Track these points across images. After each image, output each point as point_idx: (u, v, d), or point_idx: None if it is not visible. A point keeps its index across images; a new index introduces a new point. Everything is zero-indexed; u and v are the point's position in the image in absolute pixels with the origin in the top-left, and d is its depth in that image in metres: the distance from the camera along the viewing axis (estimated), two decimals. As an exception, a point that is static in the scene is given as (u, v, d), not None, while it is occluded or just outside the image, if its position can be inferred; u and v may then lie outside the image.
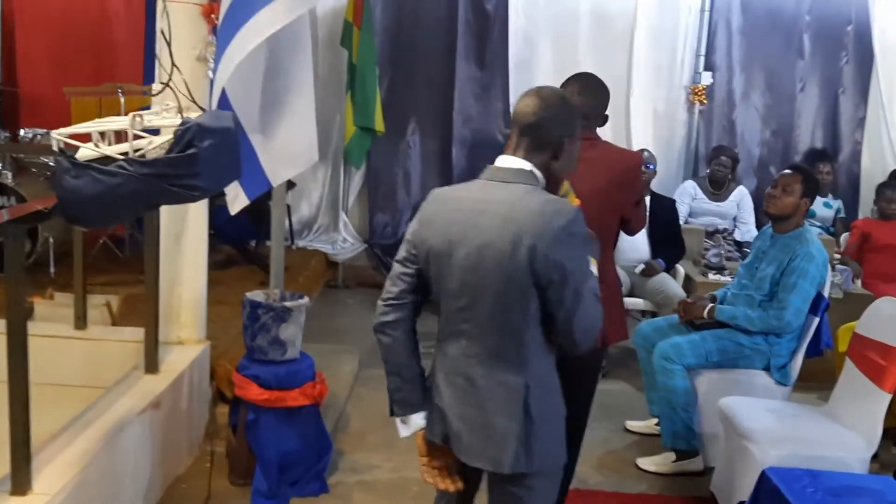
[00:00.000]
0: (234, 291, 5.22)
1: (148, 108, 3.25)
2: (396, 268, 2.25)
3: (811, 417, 3.58)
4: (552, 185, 2.22)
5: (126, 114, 2.71)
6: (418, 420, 2.26)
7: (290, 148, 3.42)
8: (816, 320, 3.99)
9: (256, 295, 3.82)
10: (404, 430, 2.29)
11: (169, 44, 2.79)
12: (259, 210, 4.99)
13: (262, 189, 3.43)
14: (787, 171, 4.16)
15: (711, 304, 4.16)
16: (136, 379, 3.57)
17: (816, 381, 4.51)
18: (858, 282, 5.52)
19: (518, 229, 2.02)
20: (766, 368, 4.03)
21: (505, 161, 2.17)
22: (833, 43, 6.99)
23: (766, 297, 4.00)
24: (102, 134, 2.47)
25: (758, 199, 6.69)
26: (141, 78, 5.93)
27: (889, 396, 3.33)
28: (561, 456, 2.22)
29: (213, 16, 3.65)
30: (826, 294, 4.02)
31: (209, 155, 2.42)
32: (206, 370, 4.06)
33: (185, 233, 3.88)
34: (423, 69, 6.92)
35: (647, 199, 5.55)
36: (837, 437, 3.39)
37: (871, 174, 7.03)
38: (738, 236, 6.39)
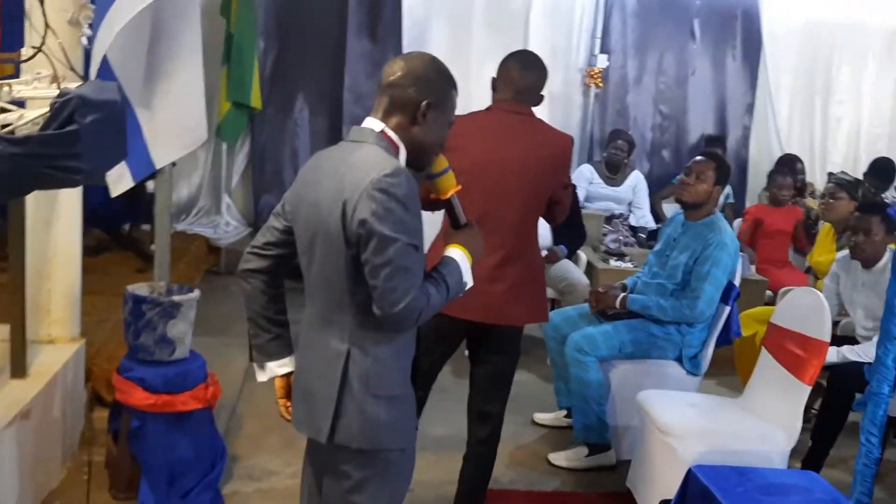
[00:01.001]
0: (108, 280, 4.79)
1: (13, 76, 2.82)
2: (269, 219, 2.19)
3: (730, 411, 3.51)
4: (420, 157, 2.08)
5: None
6: (274, 367, 2.20)
7: (177, 125, 3.08)
8: (728, 309, 3.94)
9: (140, 288, 3.45)
10: (261, 376, 2.24)
11: (42, 2, 2.38)
12: (133, 190, 4.57)
13: (149, 171, 3.06)
14: (699, 157, 4.08)
15: (623, 294, 4.05)
16: (0, 385, 3.14)
17: (715, 367, 4.48)
18: (753, 268, 5.57)
19: (339, 185, 1.94)
20: (678, 359, 3.96)
21: (365, 122, 2.07)
22: (723, 28, 7.05)
23: (679, 285, 3.92)
24: (-41, 105, 2.07)
25: (650, 183, 6.71)
26: (-1, 46, 5.33)
27: (809, 388, 3.29)
28: (395, 442, 2.05)
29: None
30: (737, 282, 3.97)
31: (92, 132, 2.06)
32: (82, 371, 3.65)
33: (56, 217, 3.45)
34: (313, 43, 6.56)
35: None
36: (758, 430, 3.33)
37: (758, 160, 7.17)
38: (633, 221, 6.37)
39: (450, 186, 2.14)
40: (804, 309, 3.43)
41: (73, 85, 2.19)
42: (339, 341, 2.00)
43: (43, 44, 2.28)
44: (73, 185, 2.12)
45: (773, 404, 3.40)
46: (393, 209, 1.87)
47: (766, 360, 3.57)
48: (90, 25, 3.27)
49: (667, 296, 3.92)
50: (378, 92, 2.07)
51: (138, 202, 5.45)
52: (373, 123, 2.04)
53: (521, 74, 2.99)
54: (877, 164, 6.56)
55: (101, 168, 2.22)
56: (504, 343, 3.08)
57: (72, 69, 2.39)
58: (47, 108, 2.04)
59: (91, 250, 5.26)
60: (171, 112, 3.08)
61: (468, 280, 2.10)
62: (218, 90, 6.22)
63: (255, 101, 6.22)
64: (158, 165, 3.19)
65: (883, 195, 5.87)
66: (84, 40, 3.26)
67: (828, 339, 3.28)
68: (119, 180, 2.99)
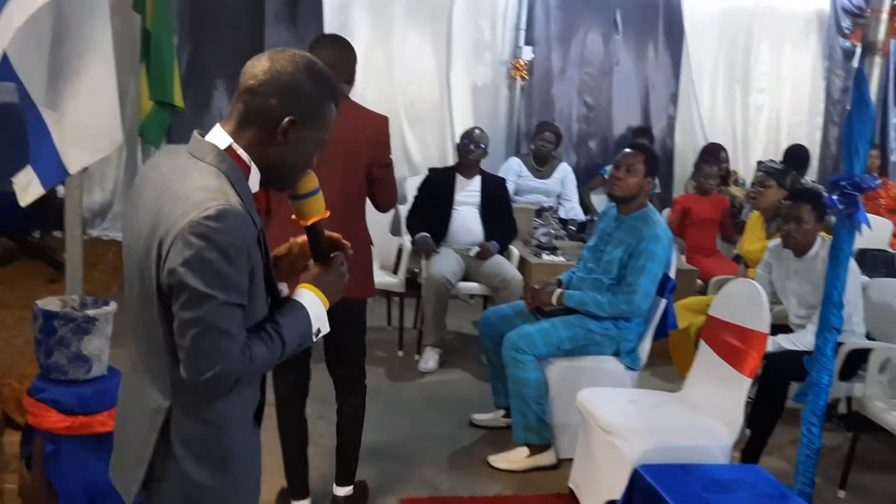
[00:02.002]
0: (17, 292, 4.54)
1: None
2: None
3: (671, 406, 3.47)
4: (279, 179, 1.72)
5: None
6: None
7: (89, 127, 2.85)
8: (664, 302, 3.91)
9: (50, 303, 3.22)
10: None
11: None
12: (44, 195, 4.31)
13: (61, 177, 2.85)
14: (628, 150, 4.03)
15: (560, 290, 3.98)
16: None
17: (649, 358, 4.44)
18: (683, 257, 5.58)
19: (155, 218, 1.57)
20: (616, 353, 3.91)
21: (212, 132, 1.68)
22: (645, 18, 7.07)
23: (615, 280, 3.87)
24: None
25: (578, 175, 6.69)
26: None
27: (749, 381, 3.27)
28: None
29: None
30: (672, 275, 3.94)
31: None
32: (-10, 393, 3.40)
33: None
34: (228, 37, 6.32)
35: (479, 178, 5.35)
36: (699, 425, 3.29)
37: (683, 149, 7.22)
38: (562, 214, 6.33)
39: (315, 211, 1.79)
40: (742, 300, 3.41)
41: (-36, 87, 1.97)
42: (159, 395, 1.68)
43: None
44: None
45: (714, 398, 3.37)
46: (210, 259, 1.52)
47: (705, 352, 3.54)
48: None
49: (603, 291, 3.87)
50: (234, 96, 1.68)
51: (48, 208, 5.14)
52: (219, 137, 1.66)
53: (325, 56, 2.75)
54: (791, 151, 6.67)
55: (0, 175, 2.01)
56: (341, 317, 2.91)
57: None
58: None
59: (-2, 260, 4.99)
60: (81, 113, 2.85)
61: (321, 327, 1.76)
62: (138, 89, 5.94)
63: (178, 99, 5.95)
64: (72, 171, 2.97)
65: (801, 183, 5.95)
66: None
67: (767, 330, 3.26)
68: (27, 187, 2.78)
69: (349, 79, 3.19)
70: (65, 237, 5.72)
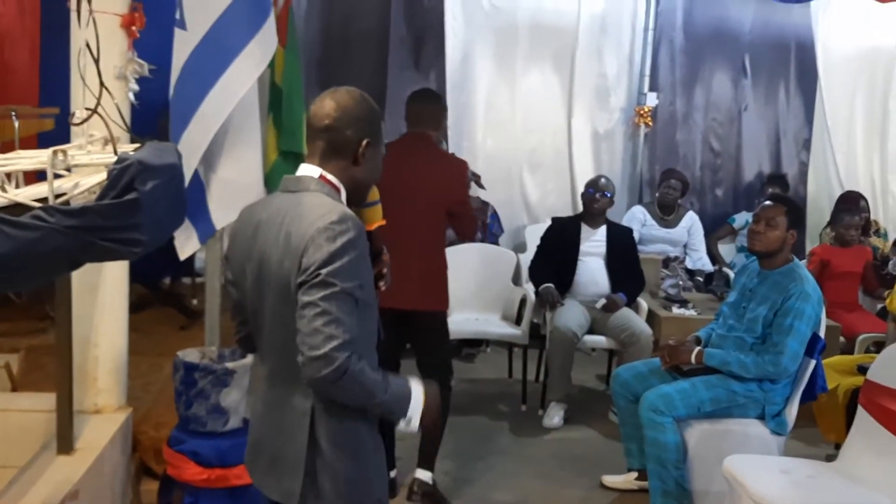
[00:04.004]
0: (151, 339, 4.61)
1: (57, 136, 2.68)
2: (229, 292, 2.12)
3: (828, 478, 3.24)
4: (359, 193, 2.07)
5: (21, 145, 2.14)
6: None
7: (238, 184, 2.91)
8: (812, 363, 3.68)
9: (190, 354, 3.26)
10: None
11: (97, 60, 2.21)
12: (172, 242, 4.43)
13: (211, 232, 2.92)
14: (767, 202, 3.85)
15: (699, 348, 3.80)
16: (47, 462, 2.95)
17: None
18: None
19: (285, 238, 1.86)
20: (761, 417, 3.69)
21: (300, 169, 2.00)
22: (776, 61, 6.84)
23: (759, 339, 3.67)
24: (9, 174, 1.89)
25: (704, 224, 6.47)
26: (36, 100, 5.21)
27: (917, 453, 3.01)
28: (370, 497, 1.98)
29: (133, 27, 3.10)
30: (822, 334, 3.71)
31: (153, 200, 1.88)
32: (129, 442, 3.45)
33: (102, 281, 3.27)
34: (354, 86, 6.40)
35: (604, 228, 5.23)
36: (862, 500, 3.05)
37: (817, 197, 6.91)
38: (689, 264, 6.11)
39: (375, 218, 2.19)
40: (905, 365, 3.16)
41: (130, 148, 2.00)
42: (302, 398, 1.91)
43: (98, 104, 2.11)
44: (131, 257, 1.94)
45: (876, 470, 3.13)
46: (335, 254, 1.79)
47: (863, 419, 3.30)
48: (137, 80, 3.14)
49: (746, 350, 3.67)
50: (310, 135, 2.00)
51: (177, 255, 5.30)
52: (310, 170, 1.98)
53: (415, 108, 3.91)
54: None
55: (160, 238, 2.03)
56: (425, 325, 3.75)
57: (128, 130, 2.21)
58: (104, 175, 1.86)
59: (131, 307, 5.11)
60: (231, 170, 2.96)
61: (412, 416, 1.94)
62: (265, 141, 6.09)
63: (305, 147, 6.06)
64: (219, 226, 3.05)
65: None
66: (131, 96, 3.12)
67: (936, 398, 3.01)
68: (186, 243, 2.90)
69: (436, 126, 3.94)
70: (193, 283, 5.91)
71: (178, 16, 3.08)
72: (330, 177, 1.97)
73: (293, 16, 5.93)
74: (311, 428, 1.90)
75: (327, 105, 1.97)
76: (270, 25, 3.22)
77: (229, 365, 3.16)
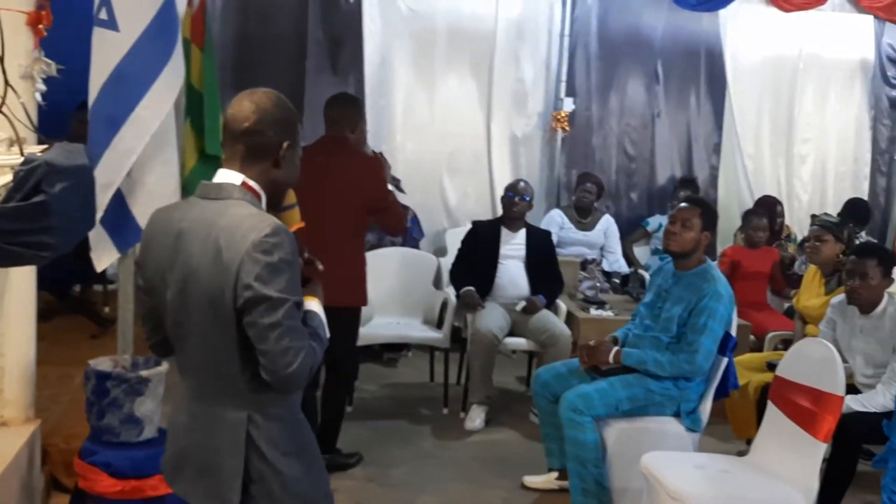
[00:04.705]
0: (60, 348, 4.46)
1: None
2: (139, 300, 2.10)
3: (741, 472, 3.33)
4: (278, 196, 2.06)
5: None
6: None
7: (160, 190, 2.86)
8: (725, 361, 3.78)
9: (102, 363, 3.16)
10: None
11: (1, 59, 2.12)
12: (85, 248, 4.29)
13: (136, 239, 2.86)
14: (683, 204, 3.95)
15: (617, 348, 3.86)
16: (-52, 479, 2.82)
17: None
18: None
19: (215, 250, 1.83)
20: (676, 414, 3.77)
21: (219, 175, 1.96)
22: (687, 68, 7.00)
23: (674, 338, 3.76)
24: None
25: (620, 227, 6.59)
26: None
27: (824, 446, 3.12)
28: (317, 491, 2.05)
29: (40, 26, 3.00)
30: (734, 333, 3.82)
31: (63, 202, 1.83)
32: (38, 455, 3.32)
33: (8, 288, 3.14)
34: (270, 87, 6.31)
35: (523, 231, 5.28)
36: (774, 493, 3.15)
37: (727, 201, 7.10)
38: (605, 266, 6.22)
39: (294, 221, 2.21)
40: (814, 361, 3.28)
41: (37, 149, 1.93)
42: (234, 410, 1.92)
43: (2, 104, 2.03)
44: (39, 262, 1.88)
45: (786, 463, 3.23)
46: (277, 269, 1.80)
47: (773, 415, 3.41)
48: (44, 80, 3.04)
49: (662, 349, 3.75)
50: (229, 139, 1.96)
51: (89, 261, 5.14)
52: (231, 177, 1.94)
53: (332, 111, 4.11)
54: (852, 204, 6.53)
55: (70, 242, 1.97)
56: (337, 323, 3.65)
57: (35, 130, 2.13)
58: (10, 177, 1.79)
59: (40, 315, 4.92)
60: (153, 175, 2.93)
61: (326, 333, 2.02)
62: (182, 145, 5.95)
63: (222, 151, 5.93)
64: None
65: (857, 237, 5.81)
66: (38, 96, 3.01)
67: (842, 392, 3.13)
68: (103, 253, 2.84)
69: (353, 128, 4.07)
70: (105, 290, 5.72)
71: (103, 15, 3.00)
72: (252, 183, 1.94)
73: (208, 17, 5.83)
74: (247, 435, 1.91)
75: (246, 107, 1.93)
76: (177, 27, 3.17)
77: (143, 373, 3.08)
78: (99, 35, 3.02)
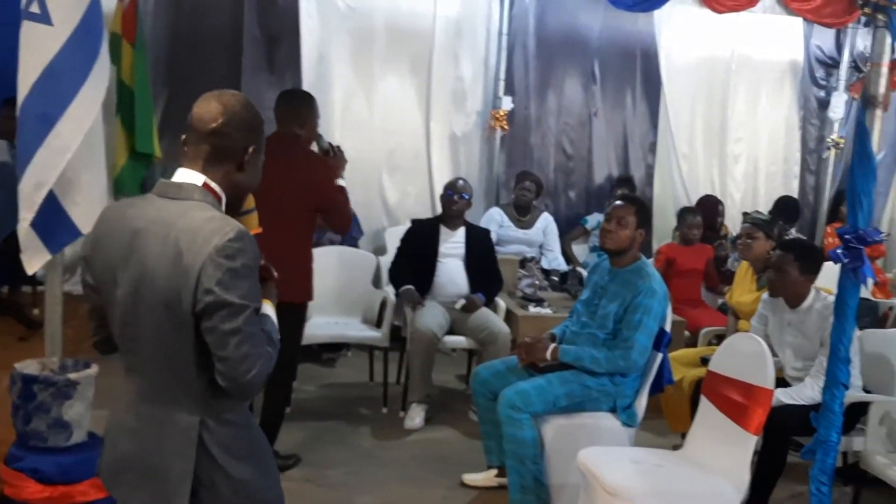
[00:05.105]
0: (-13, 352, 4.32)
1: None
2: (85, 295, 2.04)
3: (675, 465, 3.38)
4: (238, 200, 2.05)
5: None
6: None
7: (91, 188, 2.79)
8: (660, 356, 3.83)
9: (29, 366, 3.08)
10: None
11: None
12: (13, 248, 4.16)
13: (71, 238, 2.80)
14: (618, 202, 4.00)
15: (554, 345, 3.89)
16: None
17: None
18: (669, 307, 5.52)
19: (174, 252, 1.81)
20: (613, 410, 3.81)
21: (179, 174, 1.93)
22: (623, 68, 7.09)
23: (610, 335, 3.80)
24: None
25: (559, 225, 6.65)
26: None
27: (755, 438, 3.19)
28: (269, 494, 2.04)
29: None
30: (668, 329, 3.87)
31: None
32: (-39, 463, 3.20)
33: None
34: (205, 87, 6.09)
35: (463, 230, 5.29)
36: (706, 485, 3.20)
37: (663, 199, 7.22)
38: (544, 264, 6.27)
39: (252, 226, 2.17)
40: (745, 356, 3.34)
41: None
42: (187, 414, 1.90)
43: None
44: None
45: (718, 456, 3.28)
46: (241, 274, 1.80)
47: (706, 409, 3.46)
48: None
49: (599, 346, 3.79)
50: (193, 139, 1.93)
51: (17, 261, 5.00)
52: (192, 177, 1.91)
53: (280, 107, 4.09)
54: (782, 202, 6.71)
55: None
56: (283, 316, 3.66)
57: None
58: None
59: (-35, 318, 4.80)
60: (85, 174, 2.84)
61: (277, 336, 2.02)
62: (112, 142, 5.81)
63: (157, 149, 5.84)
64: (85, 231, 2.90)
65: (787, 234, 5.96)
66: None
67: (772, 386, 3.20)
68: (34, 256, 2.76)
69: (302, 124, 4.03)
70: (35, 291, 5.57)
71: (34, 9, 2.90)
72: (213, 185, 1.92)
73: (140, 12, 5.71)
74: (200, 440, 1.89)
75: (214, 108, 1.91)
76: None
77: (72, 376, 3.00)
78: (29, 29, 2.92)
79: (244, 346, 1.80)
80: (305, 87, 6.22)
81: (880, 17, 2.88)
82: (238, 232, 1.80)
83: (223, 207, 1.95)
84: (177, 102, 6.18)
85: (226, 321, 1.79)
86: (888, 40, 2.94)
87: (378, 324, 5.23)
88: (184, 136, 1.95)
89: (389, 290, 5.29)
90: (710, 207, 6.59)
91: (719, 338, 5.08)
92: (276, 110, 4.07)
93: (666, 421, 4.53)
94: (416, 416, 4.87)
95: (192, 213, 1.84)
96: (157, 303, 1.83)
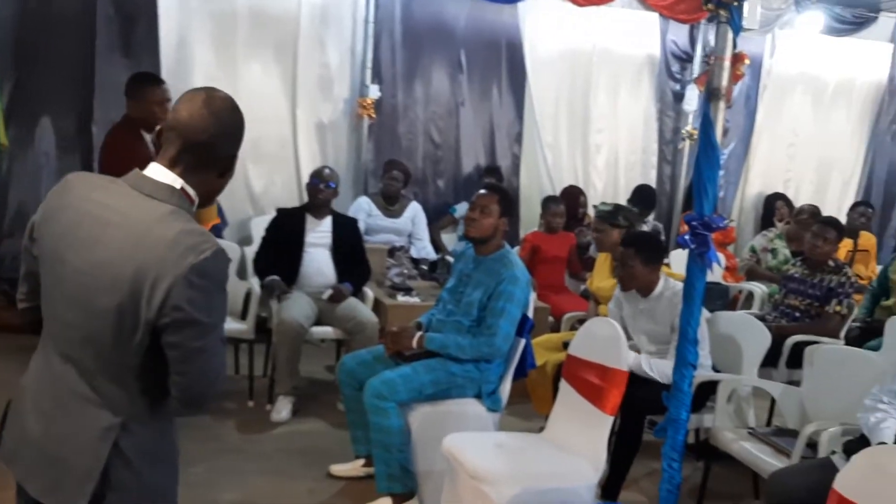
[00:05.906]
0: None
1: None
2: (24, 259, 1.96)
3: (537, 448, 3.46)
4: (209, 200, 1.98)
5: None
6: None
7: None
8: (523, 342, 3.91)
9: None
10: None
11: None
12: None
13: None
14: (482, 191, 4.05)
15: (420, 333, 3.92)
16: None
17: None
18: (534, 294, 5.64)
19: (144, 257, 1.73)
20: (478, 396, 3.87)
21: (156, 172, 1.83)
22: (489, 58, 7.16)
23: (475, 322, 3.85)
24: None
25: (427, 214, 6.68)
26: None
27: (611, 419, 3.30)
28: (172, 498, 2.00)
29: None
30: (531, 315, 3.96)
31: None
32: None
33: None
34: (55, 70, 5.90)
35: (329, 219, 5.24)
36: (565, 466, 3.29)
37: (528, 188, 7.36)
38: (413, 253, 6.29)
39: (211, 218, 2.22)
40: (601, 339, 3.46)
41: None
42: (110, 414, 1.82)
43: None
44: None
45: (577, 437, 3.39)
46: (213, 295, 1.77)
47: (566, 391, 3.56)
48: None
49: (464, 333, 3.84)
50: (177, 144, 1.83)
51: None
52: (169, 178, 1.83)
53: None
54: (639, 191, 6.98)
55: None
56: None
57: None
58: None
59: None
60: None
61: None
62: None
63: (3, 137, 5.51)
64: None
65: (644, 221, 6.19)
66: None
67: (626, 368, 3.32)
68: None
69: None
70: None
71: None
72: (190, 190, 1.85)
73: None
74: (115, 441, 1.82)
75: (205, 119, 1.82)
76: None
77: None
78: None
79: (209, 364, 1.79)
80: (164, 71, 6.00)
81: (722, 13, 3.02)
82: (215, 251, 1.76)
83: (194, 211, 1.89)
84: (25, 88, 5.85)
85: (194, 339, 1.75)
86: (730, 35, 3.09)
87: (243, 316, 5.12)
88: (160, 129, 1.89)
89: (254, 282, 5.18)
90: (572, 196, 6.78)
91: (581, 322, 5.21)
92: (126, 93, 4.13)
93: (532, 405, 4.63)
94: (282, 409, 4.80)
95: (170, 221, 1.76)
96: (111, 302, 1.75)
